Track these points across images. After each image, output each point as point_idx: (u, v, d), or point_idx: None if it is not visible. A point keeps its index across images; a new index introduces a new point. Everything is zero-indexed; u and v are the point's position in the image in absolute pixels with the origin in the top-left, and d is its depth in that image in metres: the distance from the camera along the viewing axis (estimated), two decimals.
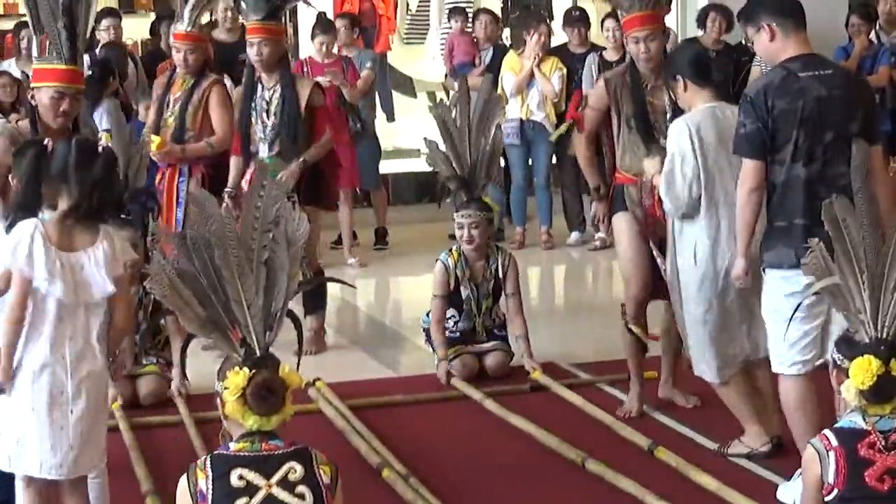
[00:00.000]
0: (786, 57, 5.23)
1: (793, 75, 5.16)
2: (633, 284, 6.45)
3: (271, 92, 7.71)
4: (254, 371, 3.74)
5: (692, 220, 5.74)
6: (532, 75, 10.90)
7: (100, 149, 4.76)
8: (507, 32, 13.07)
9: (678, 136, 5.72)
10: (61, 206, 4.56)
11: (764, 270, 5.28)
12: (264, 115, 7.70)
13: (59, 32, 5.63)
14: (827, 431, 3.99)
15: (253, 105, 7.73)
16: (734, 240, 5.49)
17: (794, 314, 5.00)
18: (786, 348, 5.24)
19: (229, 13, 11.07)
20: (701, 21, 11.39)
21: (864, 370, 3.92)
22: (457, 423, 6.58)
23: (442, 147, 7.51)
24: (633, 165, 6.37)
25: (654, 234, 6.33)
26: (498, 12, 13.40)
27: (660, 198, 6.06)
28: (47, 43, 5.70)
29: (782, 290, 5.18)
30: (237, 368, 3.74)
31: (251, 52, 7.70)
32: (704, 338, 5.81)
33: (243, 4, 7.85)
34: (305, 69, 10.55)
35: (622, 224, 6.44)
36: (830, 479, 3.91)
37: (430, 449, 6.21)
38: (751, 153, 5.20)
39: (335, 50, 10.74)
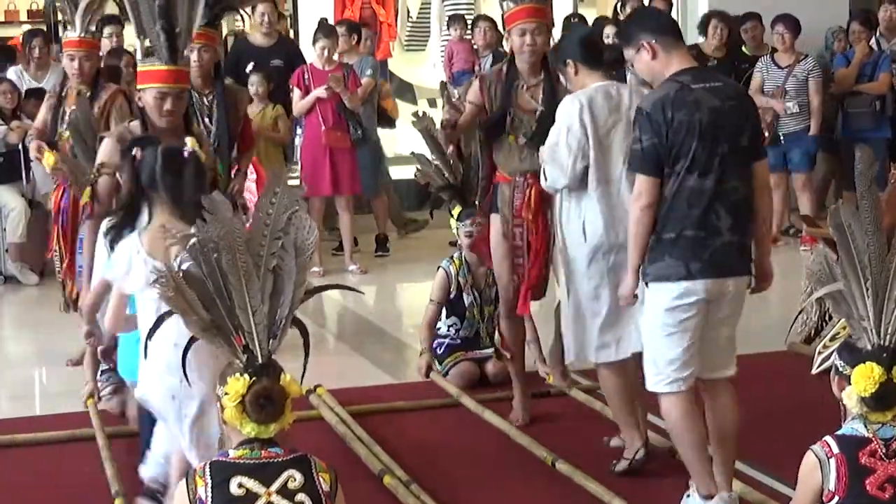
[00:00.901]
0: (671, 72, 5.13)
1: (686, 87, 5.06)
2: (505, 289, 6.40)
3: (210, 98, 7.64)
4: (254, 378, 3.73)
5: (580, 196, 5.64)
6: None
7: (186, 154, 4.99)
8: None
9: (568, 108, 5.65)
10: (155, 217, 4.90)
11: (647, 284, 5.14)
12: (206, 119, 7.62)
13: (157, 34, 5.74)
14: (828, 438, 3.98)
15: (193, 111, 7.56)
16: (625, 222, 5.35)
17: (672, 329, 5.02)
18: (664, 365, 5.11)
19: (266, 17, 11.13)
20: (702, 28, 11.41)
21: (866, 377, 3.91)
22: (458, 430, 6.57)
23: (431, 158, 7.53)
24: (506, 164, 6.32)
25: (518, 235, 6.27)
26: (498, 19, 13.40)
27: (528, 199, 6.10)
28: (147, 45, 5.87)
29: (664, 303, 5.05)
30: (238, 375, 3.74)
31: (192, 57, 7.47)
32: (592, 317, 5.71)
33: None
34: (307, 76, 10.57)
35: (495, 226, 6.36)
36: (831, 486, 3.90)
37: (432, 455, 6.21)
38: (647, 170, 5.05)
39: (335, 56, 10.74)
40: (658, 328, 5.10)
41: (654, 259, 5.09)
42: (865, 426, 3.94)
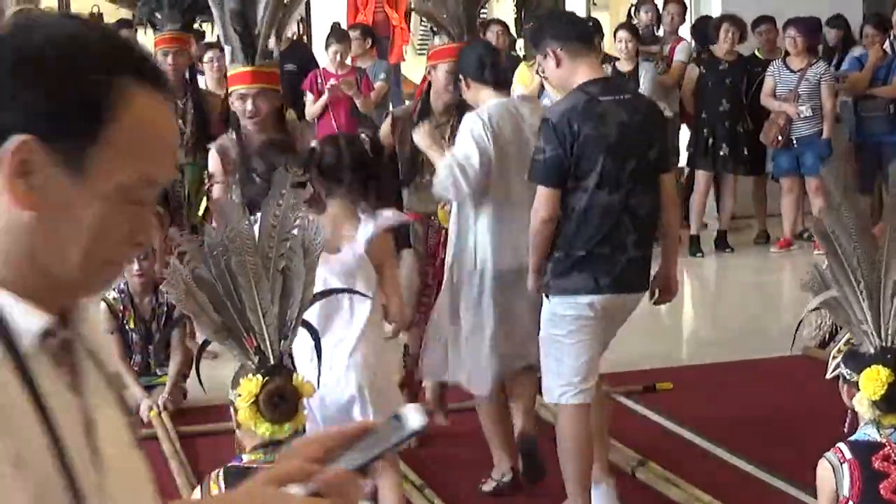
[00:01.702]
0: (578, 81, 5.03)
1: (594, 100, 4.96)
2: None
3: (184, 101, 7.60)
4: (266, 378, 3.74)
5: (477, 215, 5.50)
6: (543, 87, 10.90)
7: (366, 143, 5.16)
8: (520, 43, 13.07)
9: (472, 123, 5.47)
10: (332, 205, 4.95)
11: (548, 296, 5.10)
12: (180, 122, 7.59)
13: (234, 38, 5.78)
14: (841, 444, 3.97)
15: None
16: (520, 244, 5.29)
17: (575, 338, 5.01)
18: (570, 376, 5.06)
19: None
20: (714, 31, 11.39)
21: (873, 381, 3.90)
22: (473, 433, 6.55)
23: None
24: (419, 204, 6.25)
25: (429, 274, 6.24)
26: (511, 23, 13.41)
27: (443, 239, 5.99)
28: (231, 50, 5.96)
29: (570, 315, 5.03)
30: (250, 375, 3.75)
31: (166, 61, 7.55)
32: (483, 346, 5.58)
33: (158, 15, 7.76)
34: (319, 80, 10.58)
35: (407, 262, 6.22)
36: (845, 491, 3.89)
37: (445, 459, 6.20)
38: (548, 181, 4.97)
39: (348, 60, 10.75)
40: (562, 340, 5.06)
41: (561, 273, 5.03)
42: (878, 431, 3.93)
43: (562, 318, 5.06)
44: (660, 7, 11.99)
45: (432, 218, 6.24)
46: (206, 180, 6.27)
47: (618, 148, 4.95)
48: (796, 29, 11.07)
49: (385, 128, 6.39)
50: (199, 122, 7.49)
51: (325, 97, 10.46)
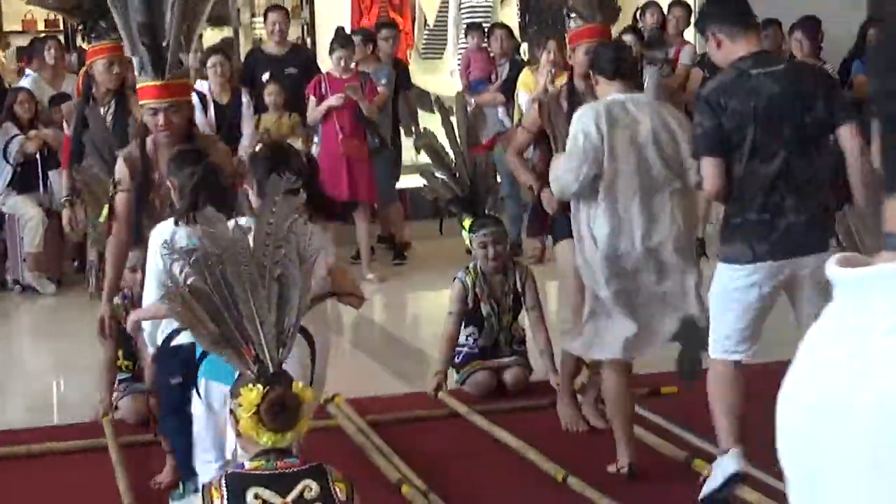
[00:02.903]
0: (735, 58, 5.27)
1: (745, 74, 5.19)
2: (579, 310, 6.30)
3: (106, 108, 7.52)
4: (267, 387, 3.72)
5: (588, 205, 5.68)
6: (547, 91, 10.87)
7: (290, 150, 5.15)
8: (525, 47, 13.05)
9: (584, 115, 5.70)
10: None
11: (719, 261, 5.34)
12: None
13: (143, 51, 5.71)
14: None
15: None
16: (636, 230, 5.61)
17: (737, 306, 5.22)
18: (722, 338, 5.33)
19: (278, 26, 11.16)
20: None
21: None
22: (477, 439, 6.54)
23: (437, 173, 7.53)
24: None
25: None
26: (516, 27, 13.38)
27: None
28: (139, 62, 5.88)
29: (730, 282, 5.24)
30: (250, 385, 3.73)
31: (106, 73, 7.49)
32: (607, 318, 5.75)
33: (102, 24, 7.62)
34: (324, 84, 10.57)
35: (566, 251, 6.28)
36: None
37: (450, 464, 6.19)
38: (709, 151, 5.22)
39: (352, 65, 10.73)
40: (721, 303, 5.30)
41: (726, 240, 5.29)
42: None
43: (723, 283, 5.29)
44: (665, 10, 11.95)
45: None
46: (112, 187, 6.19)
47: (768, 118, 5.14)
48: (803, 31, 11.03)
49: (533, 113, 6.56)
50: (121, 129, 7.26)
51: (326, 102, 10.44)
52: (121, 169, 6.08)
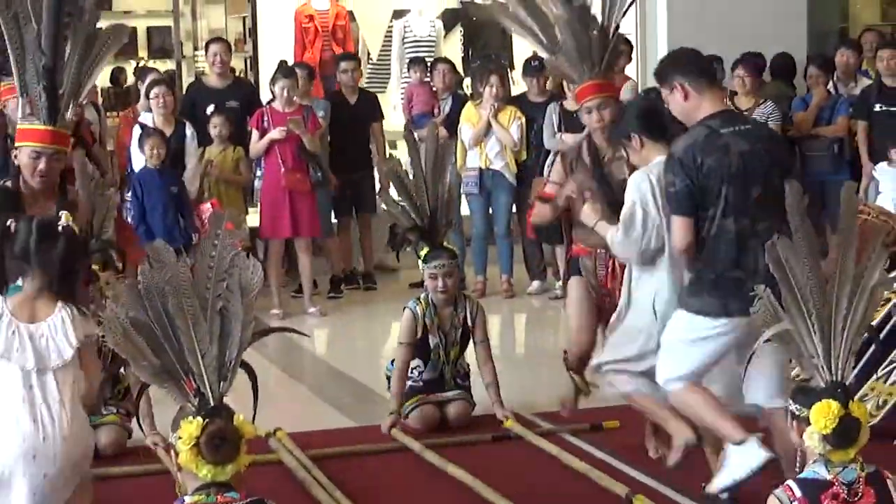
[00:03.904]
0: (702, 115, 5.31)
1: (715, 132, 5.25)
2: (576, 344, 6.64)
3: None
4: (207, 420, 3.70)
5: (652, 270, 5.69)
6: (490, 125, 10.93)
7: (60, 228, 4.83)
8: (468, 81, 13.09)
9: (639, 184, 5.65)
10: (26, 286, 4.72)
11: (684, 310, 5.39)
12: None
13: (39, 94, 5.63)
14: (790, 482, 3.97)
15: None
16: None
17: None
18: (676, 370, 5.42)
19: (219, 57, 11.13)
20: None
21: (824, 415, 3.91)
22: (420, 474, 6.52)
23: (398, 199, 7.52)
24: (587, 237, 6.36)
25: (605, 304, 6.43)
26: (459, 61, 13.43)
27: (612, 270, 6.21)
28: (29, 104, 5.74)
29: (698, 333, 5.33)
30: (190, 418, 3.71)
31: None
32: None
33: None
34: (266, 118, 10.54)
35: (575, 287, 6.59)
36: None
37: (393, 500, 6.16)
38: (681, 210, 5.28)
39: (295, 98, 10.71)
40: (682, 346, 5.38)
41: (695, 293, 5.34)
42: (827, 469, 3.93)
43: (687, 331, 5.37)
44: None
45: (598, 250, 6.39)
46: None
47: (740, 177, 5.22)
48: (745, 68, 11.15)
49: (557, 167, 6.64)
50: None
51: (269, 136, 10.42)
52: None
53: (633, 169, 5.99)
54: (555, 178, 6.67)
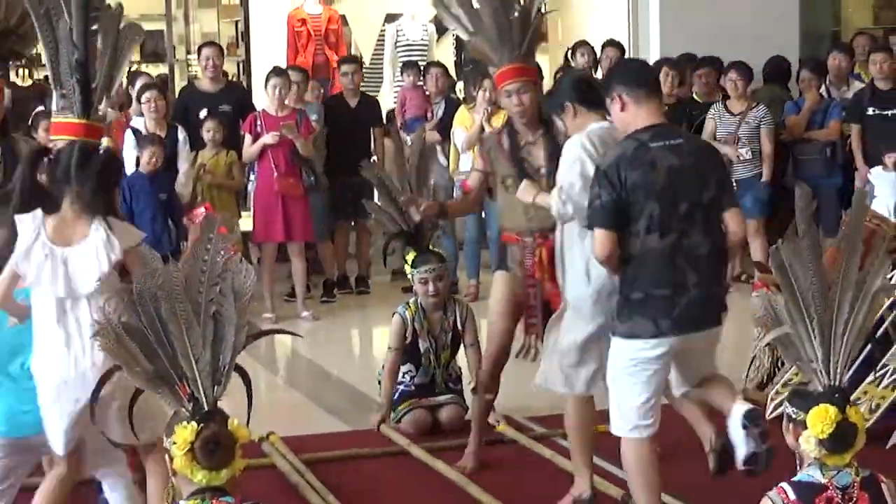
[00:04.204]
0: (638, 125, 5.20)
1: (644, 146, 5.13)
2: (492, 343, 6.51)
3: None
4: (202, 425, 3.70)
5: (583, 236, 5.48)
6: (483, 129, 10.93)
7: (101, 150, 5.20)
8: (460, 85, 13.09)
9: (578, 146, 5.50)
10: (64, 207, 5.01)
11: (616, 337, 5.24)
12: None
13: (73, 88, 5.70)
14: (785, 485, 3.97)
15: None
16: None
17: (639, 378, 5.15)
18: (628, 411, 5.24)
19: (211, 61, 11.13)
20: None
21: (822, 419, 3.91)
22: (412, 477, 6.52)
23: (382, 205, 7.52)
24: (513, 224, 6.31)
25: (532, 295, 6.29)
26: (451, 65, 13.43)
27: (540, 258, 6.11)
28: (63, 97, 5.82)
29: (632, 357, 5.17)
30: (185, 423, 3.70)
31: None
32: (588, 353, 5.62)
33: None
34: (259, 122, 10.54)
35: (499, 284, 6.40)
36: None
37: (386, 502, 6.15)
38: (605, 223, 5.11)
39: (287, 101, 10.70)
40: (625, 378, 5.21)
41: (624, 318, 5.18)
42: (822, 472, 3.93)
43: (625, 358, 5.20)
44: (597, 50, 12.03)
45: (524, 239, 6.26)
46: None
47: (667, 192, 5.09)
48: (737, 72, 11.17)
49: (480, 152, 6.55)
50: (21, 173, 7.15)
51: (262, 140, 10.42)
52: None
53: (550, 160, 6.00)
54: (477, 166, 6.59)
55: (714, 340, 5.38)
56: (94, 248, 4.92)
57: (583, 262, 5.55)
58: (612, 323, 5.27)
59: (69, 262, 4.88)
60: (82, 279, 4.88)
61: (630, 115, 5.24)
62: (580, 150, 5.50)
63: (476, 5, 6.34)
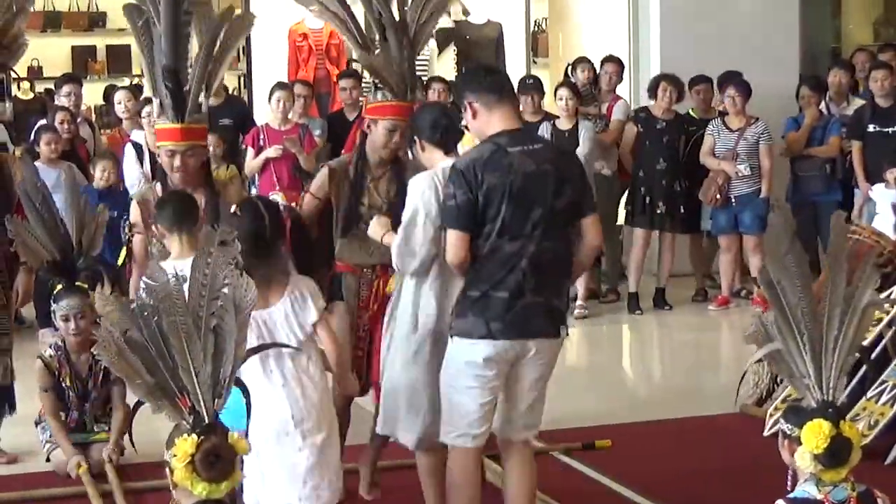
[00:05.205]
0: (492, 131, 5.14)
1: (501, 150, 5.07)
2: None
3: None
4: (202, 437, 3.71)
5: (419, 282, 5.41)
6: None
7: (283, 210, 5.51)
8: None
9: (424, 190, 5.35)
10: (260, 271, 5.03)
11: (452, 337, 5.17)
12: None
13: (165, 94, 5.80)
14: (780, 501, 3.98)
15: None
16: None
17: (473, 384, 5.08)
18: (458, 419, 5.16)
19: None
20: (652, 90, 11.49)
21: (816, 434, 3.93)
22: (409, 492, 6.51)
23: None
24: (352, 257, 6.19)
25: (360, 327, 6.19)
26: (453, 79, 13.45)
27: (376, 290, 6.05)
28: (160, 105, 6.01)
29: (464, 358, 5.09)
30: (185, 435, 3.72)
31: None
32: (416, 402, 5.43)
33: None
34: (262, 136, 10.57)
35: (337, 314, 6.11)
36: None
37: None
38: (458, 224, 5.06)
39: (290, 115, 10.74)
40: (456, 381, 5.14)
41: (460, 314, 5.13)
42: (818, 488, 3.95)
43: (458, 359, 5.13)
44: (597, 66, 12.07)
45: (364, 270, 6.18)
46: (127, 230, 6.37)
47: (521, 197, 5.03)
48: (736, 88, 11.19)
49: (322, 178, 6.31)
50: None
51: (264, 154, 10.44)
52: (135, 212, 6.26)
53: (399, 191, 5.87)
54: (313, 188, 6.34)
55: (548, 363, 5.24)
56: (290, 310, 5.25)
57: (413, 307, 5.43)
58: (449, 322, 5.20)
59: (269, 324, 5.21)
60: (283, 338, 5.19)
61: (482, 122, 5.19)
62: (428, 196, 5.32)
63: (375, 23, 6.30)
